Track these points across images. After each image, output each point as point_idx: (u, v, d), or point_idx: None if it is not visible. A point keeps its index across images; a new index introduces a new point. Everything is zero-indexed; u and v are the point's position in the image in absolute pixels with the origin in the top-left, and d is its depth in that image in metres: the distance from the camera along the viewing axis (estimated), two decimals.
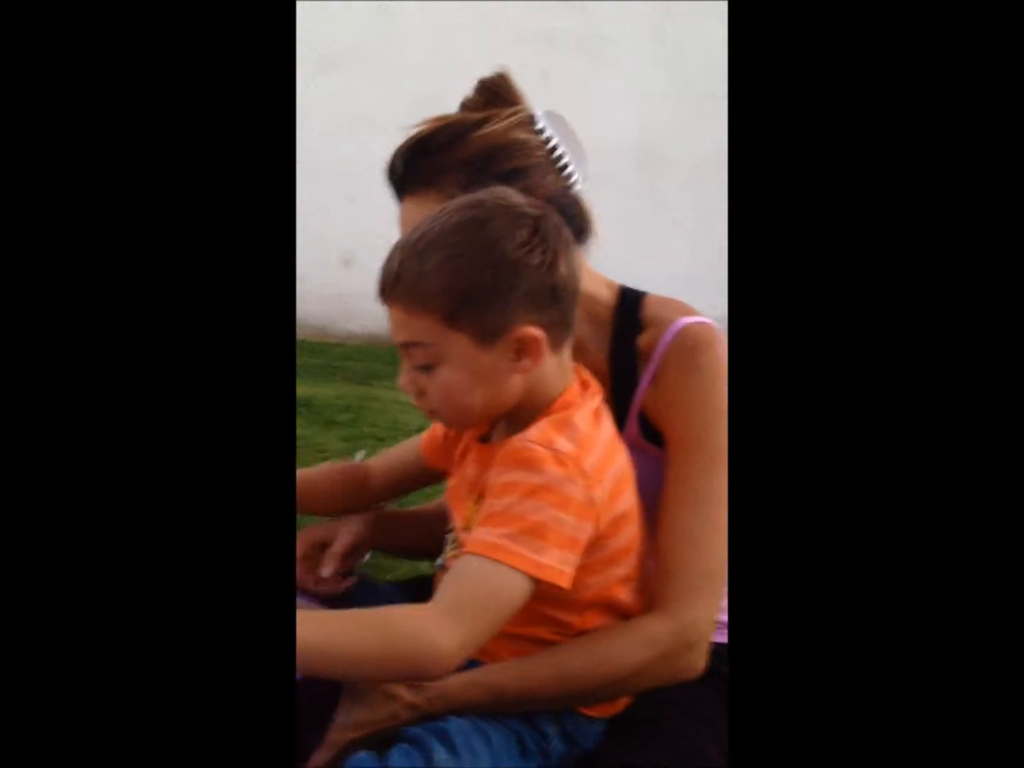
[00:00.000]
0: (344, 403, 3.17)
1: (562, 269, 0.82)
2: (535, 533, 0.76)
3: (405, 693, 0.80)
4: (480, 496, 0.84)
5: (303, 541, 1.03)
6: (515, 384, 0.82)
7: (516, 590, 0.76)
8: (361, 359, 3.86)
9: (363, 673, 0.77)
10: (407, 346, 0.82)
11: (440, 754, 0.76)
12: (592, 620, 0.86)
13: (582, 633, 0.86)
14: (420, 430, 1.08)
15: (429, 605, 0.75)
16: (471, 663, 0.84)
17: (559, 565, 0.76)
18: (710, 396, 0.90)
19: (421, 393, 0.83)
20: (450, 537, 0.96)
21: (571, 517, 0.77)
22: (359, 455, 1.56)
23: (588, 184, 1.00)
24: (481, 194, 0.84)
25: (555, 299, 0.82)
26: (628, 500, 0.85)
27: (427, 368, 0.81)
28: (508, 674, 0.83)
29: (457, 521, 0.92)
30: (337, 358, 4.00)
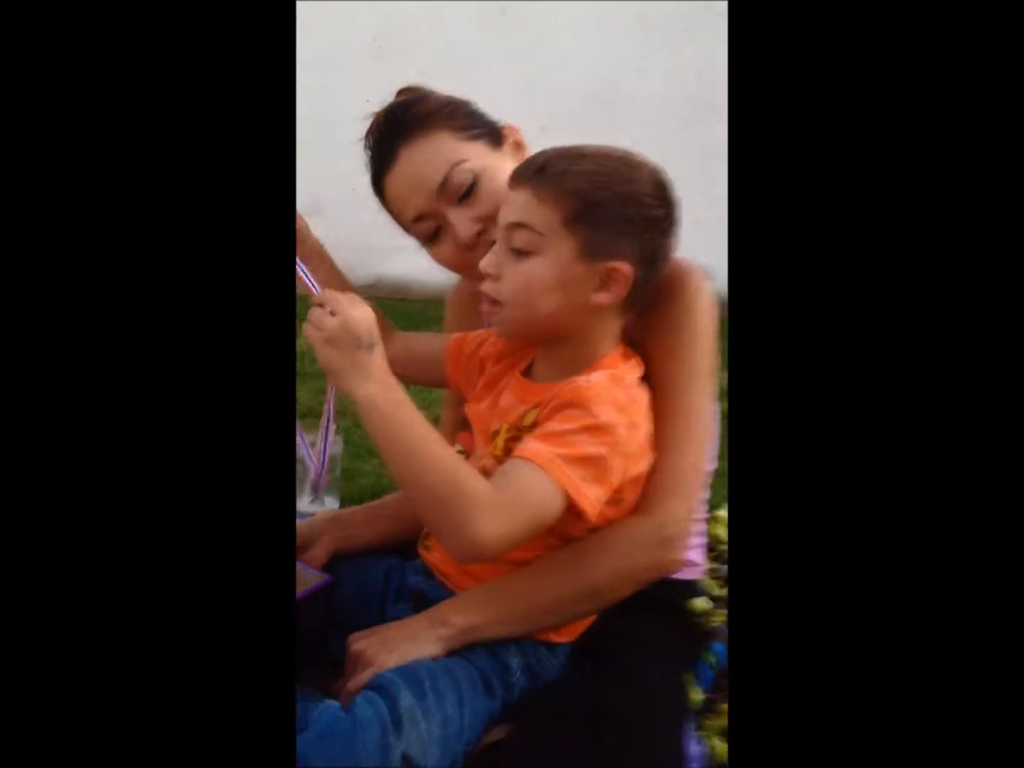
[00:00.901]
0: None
1: (670, 239, 0.90)
2: (586, 464, 0.81)
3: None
4: (512, 426, 0.90)
5: None
6: (583, 311, 0.87)
7: (556, 507, 0.81)
8: None
9: (412, 488, 0.80)
10: (516, 227, 0.87)
11: (406, 699, 0.77)
12: None
13: None
14: None
15: (492, 487, 0.79)
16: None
17: (595, 502, 0.82)
18: (690, 318, 0.94)
19: (498, 278, 0.88)
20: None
21: (617, 462, 0.83)
22: None
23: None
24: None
25: (652, 260, 0.89)
26: (647, 464, 0.90)
27: (522, 253, 0.86)
28: (498, 602, 0.88)
29: (479, 444, 0.96)
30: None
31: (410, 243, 1.11)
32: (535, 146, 0.98)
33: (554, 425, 0.83)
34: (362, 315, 0.82)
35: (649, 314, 0.96)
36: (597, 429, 0.82)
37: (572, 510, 0.82)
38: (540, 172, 0.87)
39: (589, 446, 0.81)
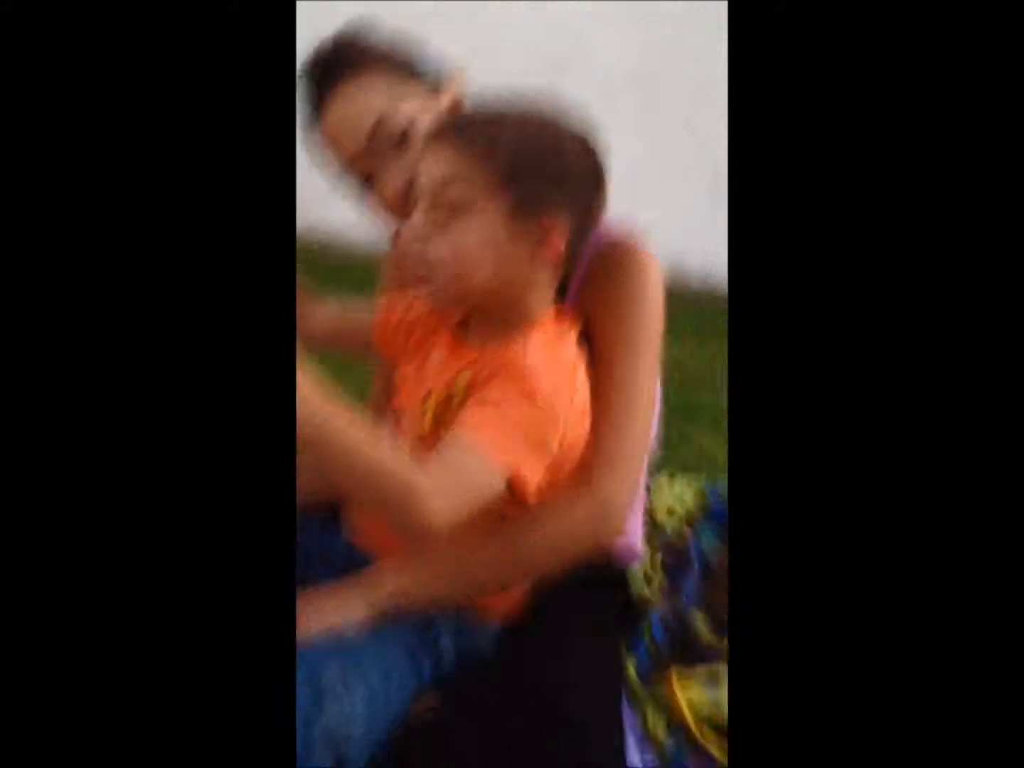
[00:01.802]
0: None
1: (601, 191, 0.84)
2: (524, 436, 0.77)
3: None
4: (444, 389, 0.85)
5: None
6: (519, 273, 0.82)
7: (497, 483, 0.77)
8: None
9: (349, 488, 0.76)
10: (442, 187, 0.79)
11: (329, 671, 0.74)
12: None
13: None
14: None
15: (428, 471, 0.73)
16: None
17: (531, 476, 0.78)
18: (637, 290, 0.91)
19: (425, 245, 0.80)
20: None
21: (553, 435, 0.79)
22: None
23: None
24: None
25: (585, 215, 0.83)
26: (584, 431, 0.86)
27: (450, 217, 0.79)
28: (427, 565, 0.85)
29: (408, 408, 0.90)
30: None
31: (341, 191, 1.04)
32: None
33: (490, 394, 0.79)
34: None
35: (594, 284, 0.93)
36: (534, 398, 0.78)
37: (510, 484, 0.78)
38: (465, 128, 0.80)
39: (527, 416, 0.77)
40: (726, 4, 0.65)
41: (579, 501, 0.86)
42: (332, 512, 1.01)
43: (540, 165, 0.80)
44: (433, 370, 0.89)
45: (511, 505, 0.83)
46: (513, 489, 0.78)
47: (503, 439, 0.76)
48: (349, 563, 0.91)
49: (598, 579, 0.96)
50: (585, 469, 0.87)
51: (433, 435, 0.83)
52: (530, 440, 0.77)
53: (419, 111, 0.94)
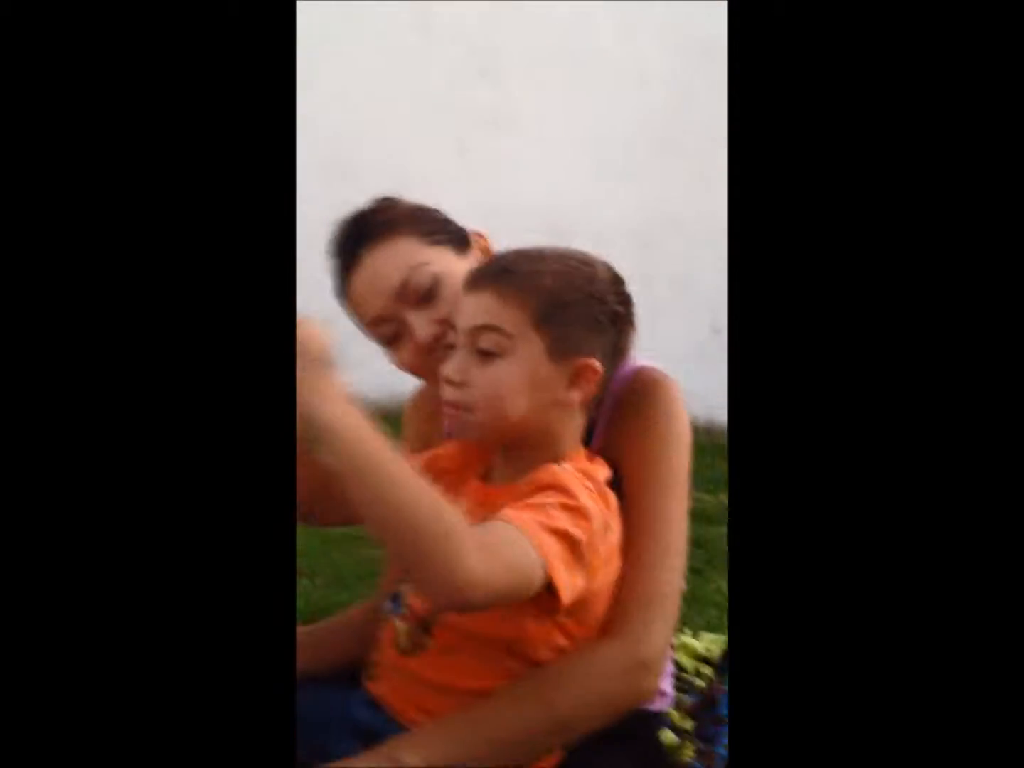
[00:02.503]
0: None
1: (631, 334, 0.89)
2: (563, 540, 0.76)
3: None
4: None
5: None
6: (552, 411, 0.85)
7: (537, 575, 0.74)
8: None
9: (390, 521, 0.69)
10: (483, 329, 0.84)
11: None
12: None
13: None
14: None
15: (472, 533, 0.71)
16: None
17: (569, 582, 0.76)
18: (665, 426, 0.92)
19: (464, 384, 0.84)
20: (406, 588, 0.93)
21: (590, 553, 0.78)
22: None
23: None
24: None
25: (615, 356, 0.88)
26: (615, 571, 0.85)
27: (489, 357, 0.83)
28: (455, 733, 0.80)
29: None
30: None
31: (354, 356, 1.06)
32: None
33: (532, 501, 0.79)
34: (312, 332, 0.71)
35: (620, 421, 0.94)
36: (575, 510, 0.78)
37: (547, 586, 0.75)
38: (503, 273, 0.85)
39: (568, 524, 0.77)
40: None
41: (615, 653, 0.83)
42: (352, 680, 0.98)
43: (576, 310, 0.84)
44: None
45: (539, 643, 0.81)
46: (549, 591, 0.76)
47: (544, 536, 0.75)
48: (371, 734, 0.87)
49: (629, 727, 0.90)
50: (619, 617, 0.84)
51: None
52: (570, 545, 0.76)
53: (445, 270, 0.98)
